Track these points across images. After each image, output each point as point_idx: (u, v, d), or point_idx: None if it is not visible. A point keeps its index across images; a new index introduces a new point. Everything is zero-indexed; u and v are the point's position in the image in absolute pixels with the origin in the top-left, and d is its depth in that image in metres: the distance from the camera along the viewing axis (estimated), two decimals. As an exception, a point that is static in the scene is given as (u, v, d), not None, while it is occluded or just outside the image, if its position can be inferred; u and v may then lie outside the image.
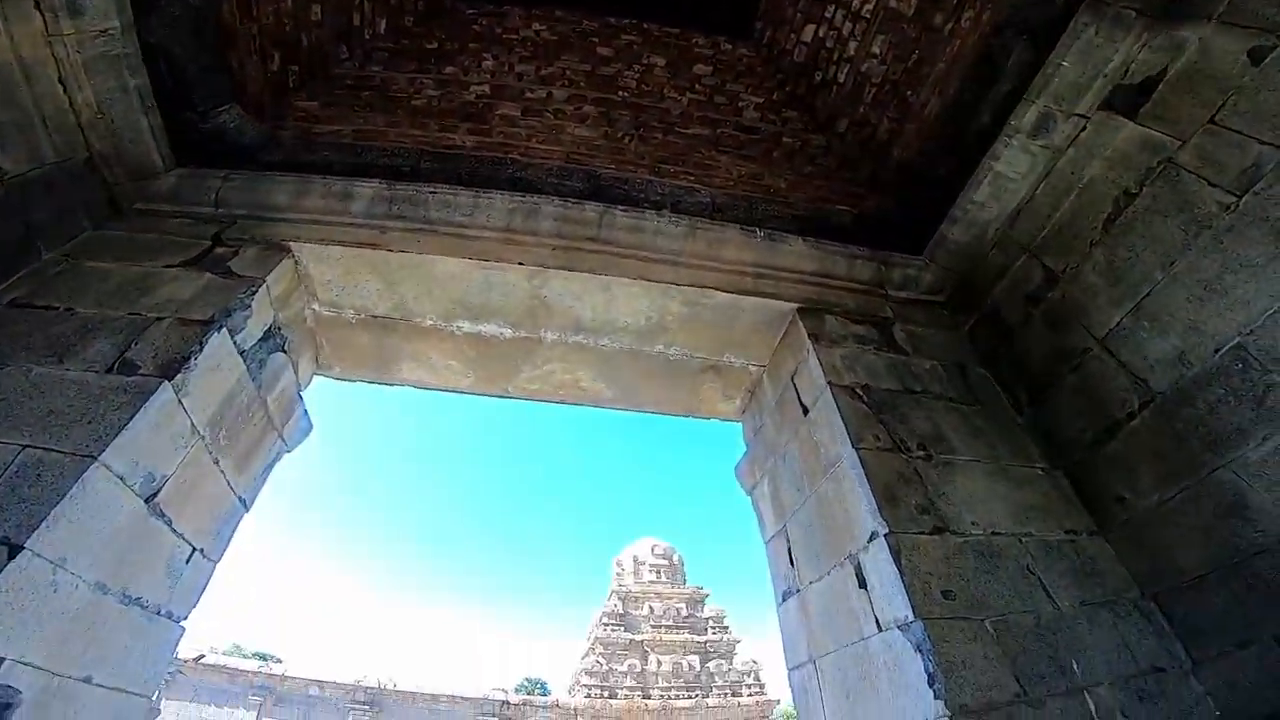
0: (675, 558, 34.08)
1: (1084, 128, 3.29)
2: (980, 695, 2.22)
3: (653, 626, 29.42)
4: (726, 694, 27.16)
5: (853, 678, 2.77)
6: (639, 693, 26.29)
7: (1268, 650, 2.40)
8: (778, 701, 28.23)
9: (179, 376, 2.62)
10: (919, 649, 2.34)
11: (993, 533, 2.78)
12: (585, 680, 26.57)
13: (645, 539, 35.09)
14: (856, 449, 2.92)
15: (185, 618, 3.02)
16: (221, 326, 2.90)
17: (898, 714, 2.43)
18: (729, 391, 4.26)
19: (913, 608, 2.39)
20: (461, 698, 23.70)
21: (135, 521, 2.51)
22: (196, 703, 21.58)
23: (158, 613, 2.78)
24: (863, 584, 2.74)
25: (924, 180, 4.06)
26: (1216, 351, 2.63)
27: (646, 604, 30.49)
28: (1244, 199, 2.59)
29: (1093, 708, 2.33)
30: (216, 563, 3.23)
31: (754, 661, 29.21)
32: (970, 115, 3.70)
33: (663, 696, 26.24)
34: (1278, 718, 2.36)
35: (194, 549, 2.97)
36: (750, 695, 27.35)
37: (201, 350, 2.75)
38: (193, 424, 2.77)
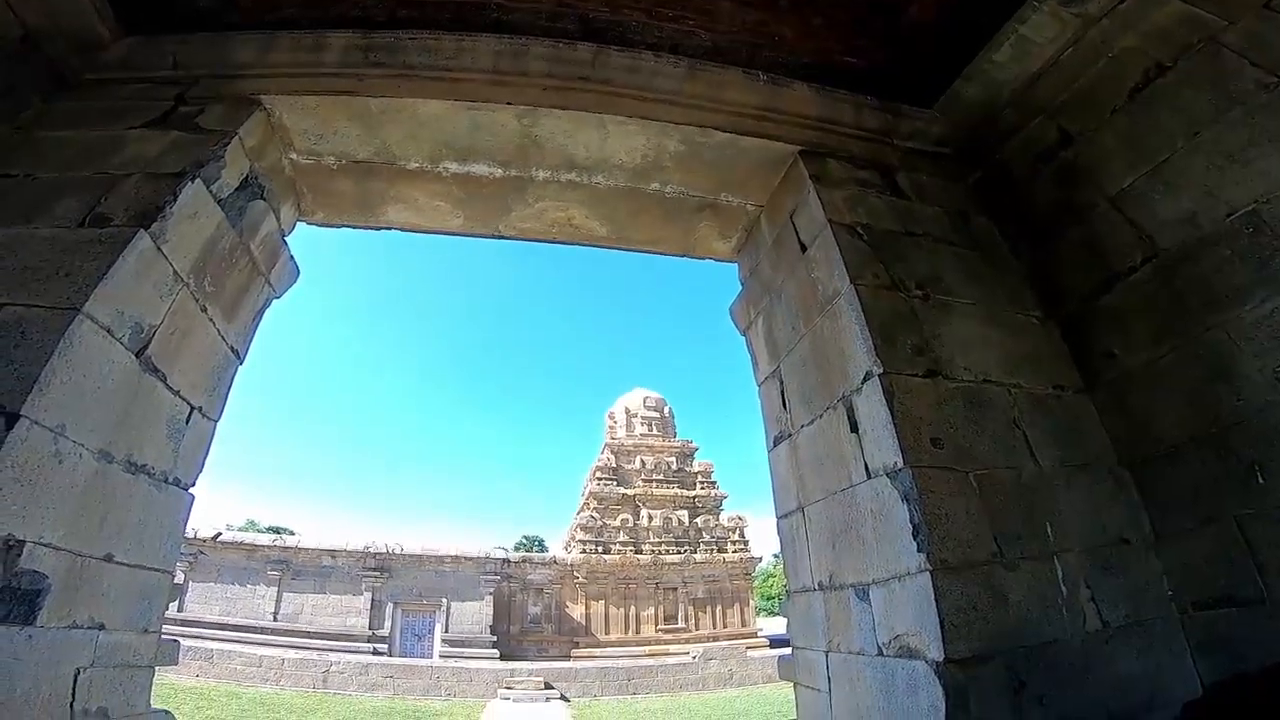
0: (666, 410, 34.45)
1: (1123, 1, 3.08)
2: (960, 551, 2.31)
3: (644, 480, 30.26)
4: (713, 550, 28.69)
5: (839, 526, 2.88)
6: (631, 547, 27.75)
7: (1226, 531, 2.51)
8: (759, 559, 30.02)
9: (155, 225, 2.54)
10: (905, 498, 2.41)
11: (984, 380, 2.82)
12: (580, 536, 27.84)
13: (637, 390, 35.19)
14: (855, 285, 2.91)
15: (193, 484, 3.08)
16: (195, 177, 2.78)
17: (881, 564, 2.53)
18: (725, 231, 4.21)
19: (902, 454, 2.44)
20: (465, 558, 25.15)
21: (129, 378, 2.49)
22: (221, 583, 22.82)
23: (165, 480, 2.83)
24: (854, 427, 2.79)
25: (939, 40, 3.86)
26: (1229, 215, 2.62)
27: (638, 457, 31.15)
28: (1286, 80, 2.50)
29: (1060, 575, 2.44)
30: (216, 421, 3.27)
31: (739, 517, 30.36)
32: (999, -21, 3.45)
33: (653, 551, 27.77)
34: (1226, 600, 2.47)
35: (192, 407, 2.98)
36: (735, 552, 28.94)
37: (176, 200, 2.65)
38: (175, 270, 2.71)
